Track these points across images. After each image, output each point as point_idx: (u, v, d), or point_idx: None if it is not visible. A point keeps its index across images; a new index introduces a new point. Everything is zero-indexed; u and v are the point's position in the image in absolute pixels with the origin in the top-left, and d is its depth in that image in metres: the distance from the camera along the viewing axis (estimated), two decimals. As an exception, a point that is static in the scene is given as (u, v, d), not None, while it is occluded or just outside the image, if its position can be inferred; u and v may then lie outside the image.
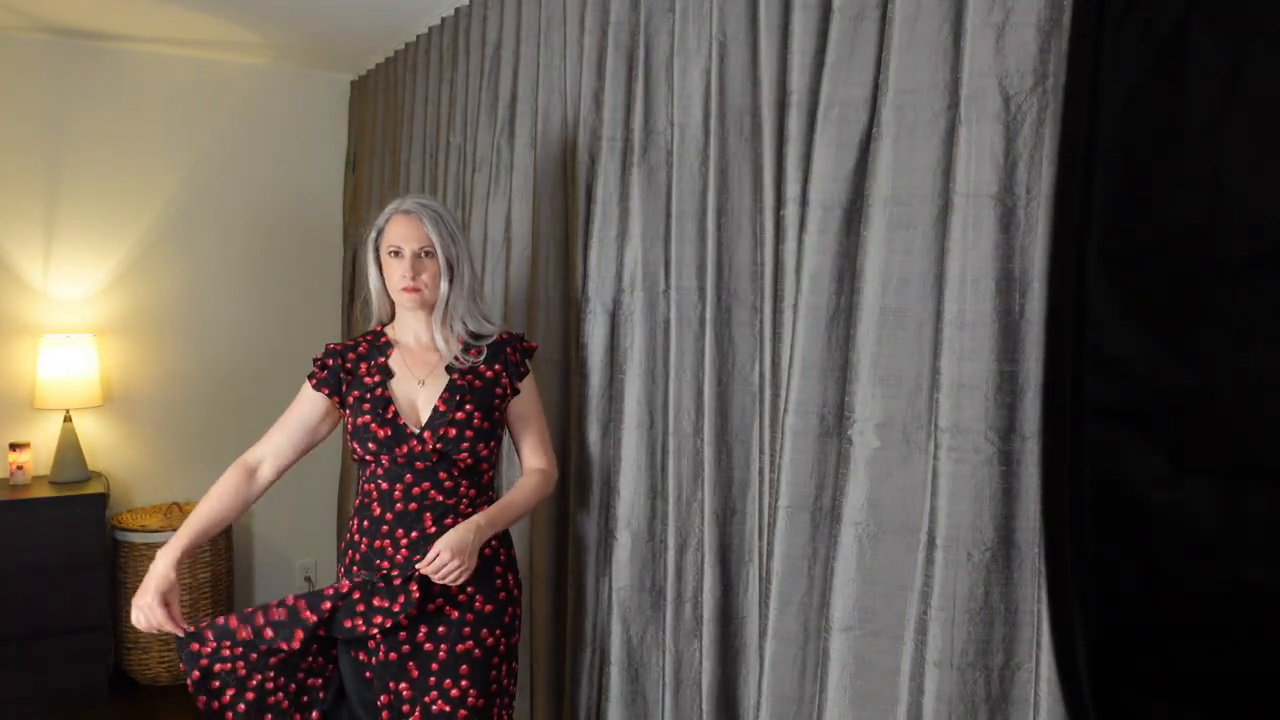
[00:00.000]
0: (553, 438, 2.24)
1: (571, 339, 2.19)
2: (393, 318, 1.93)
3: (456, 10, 2.96)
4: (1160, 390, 1.00)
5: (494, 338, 1.88)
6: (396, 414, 1.79)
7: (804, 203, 1.51)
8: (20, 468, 3.34)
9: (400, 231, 1.80)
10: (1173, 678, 1.01)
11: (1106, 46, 1.02)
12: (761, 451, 1.71)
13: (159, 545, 3.37)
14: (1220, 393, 0.95)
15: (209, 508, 1.79)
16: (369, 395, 1.81)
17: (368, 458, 1.80)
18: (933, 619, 1.28)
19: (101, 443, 3.64)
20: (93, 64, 3.56)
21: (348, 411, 1.83)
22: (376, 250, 1.86)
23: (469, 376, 1.84)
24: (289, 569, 4.04)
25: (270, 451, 1.87)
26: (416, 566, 1.69)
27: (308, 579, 4.08)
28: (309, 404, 1.87)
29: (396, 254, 1.80)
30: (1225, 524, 0.95)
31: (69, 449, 3.37)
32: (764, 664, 1.56)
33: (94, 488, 3.30)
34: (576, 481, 2.13)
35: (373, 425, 1.78)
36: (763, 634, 1.58)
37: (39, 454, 3.51)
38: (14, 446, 3.36)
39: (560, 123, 2.26)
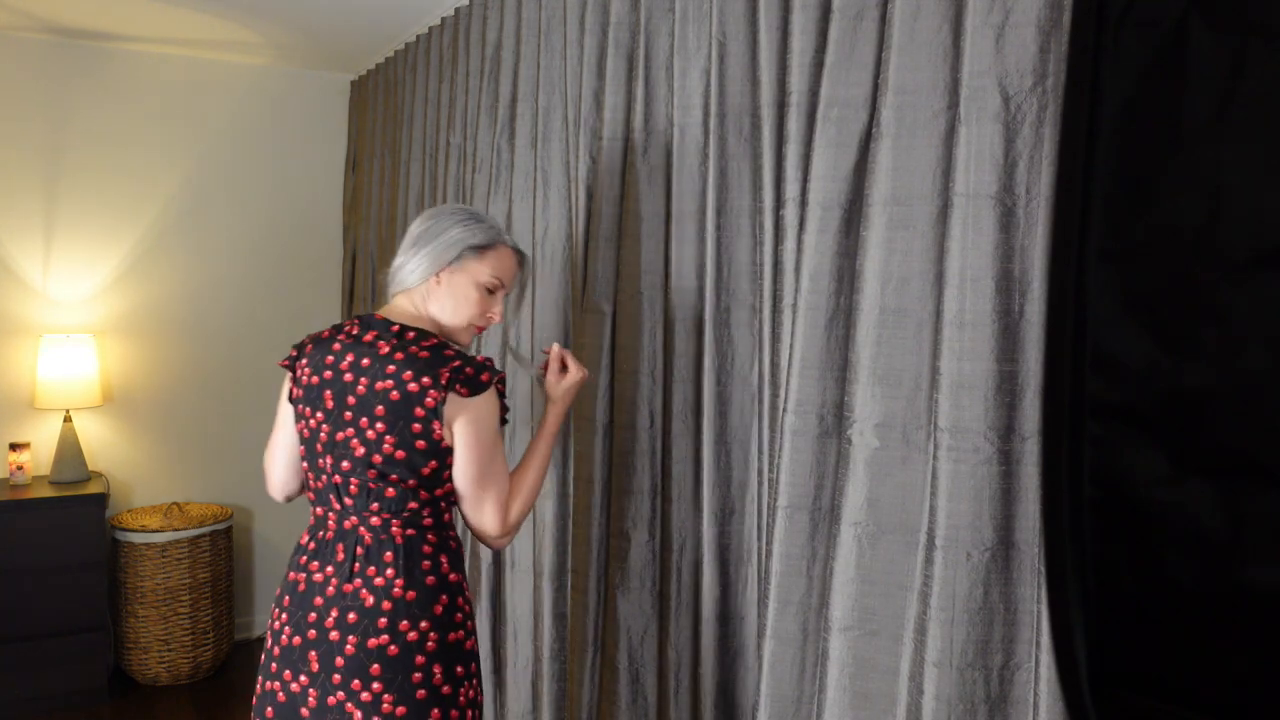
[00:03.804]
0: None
1: (572, 339, 2.19)
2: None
3: (456, 10, 2.96)
4: (1160, 390, 1.00)
5: None
6: None
7: (803, 203, 1.51)
8: (20, 468, 3.34)
9: (507, 268, 1.65)
10: (1173, 678, 1.01)
11: (1106, 46, 1.02)
12: (761, 451, 1.71)
13: (159, 545, 3.37)
14: (1220, 393, 0.95)
15: None
16: None
17: None
18: (932, 619, 1.28)
19: (101, 443, 3.64)
20: (93, 64, 3.56)
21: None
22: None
23: None
24: (289, 569, 4.05)
25: None
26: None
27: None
28: None
29: (491, 290, 1.63)
30: (1226, 524, 0.95)
31: (69, 449, 3.38)
32: (763, 664, 1.56)
33: (94, 488, 3.31)
34: (578, 482, 2.13)
35: None
36: (761, 634, 1.58)
37: (39, 454, 3.51)
38: (14, 446, 3.36)
39: (560, 123, 2.26)
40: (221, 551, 3.58)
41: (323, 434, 1.54)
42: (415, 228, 1.65)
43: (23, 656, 3.13)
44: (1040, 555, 1.22)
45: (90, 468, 3.54)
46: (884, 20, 1.39)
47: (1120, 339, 1.02)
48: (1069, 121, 1.08)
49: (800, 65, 1.52)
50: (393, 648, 1.46)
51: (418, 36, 3.32)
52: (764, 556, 1.65)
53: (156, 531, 3.39)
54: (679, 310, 1.83)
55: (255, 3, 3.06)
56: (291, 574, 1.57)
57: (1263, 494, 0.92)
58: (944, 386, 1.28)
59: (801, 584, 1.52)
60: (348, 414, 1.51)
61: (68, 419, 3.40)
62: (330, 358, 1.55)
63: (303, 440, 1.59)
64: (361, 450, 1.50)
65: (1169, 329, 0.99)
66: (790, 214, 1.56)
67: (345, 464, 1.51)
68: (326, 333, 1.62)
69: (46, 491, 3.24)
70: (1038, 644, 1.23)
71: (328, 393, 1.53)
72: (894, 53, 1.34)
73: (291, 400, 1.62)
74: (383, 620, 1.47)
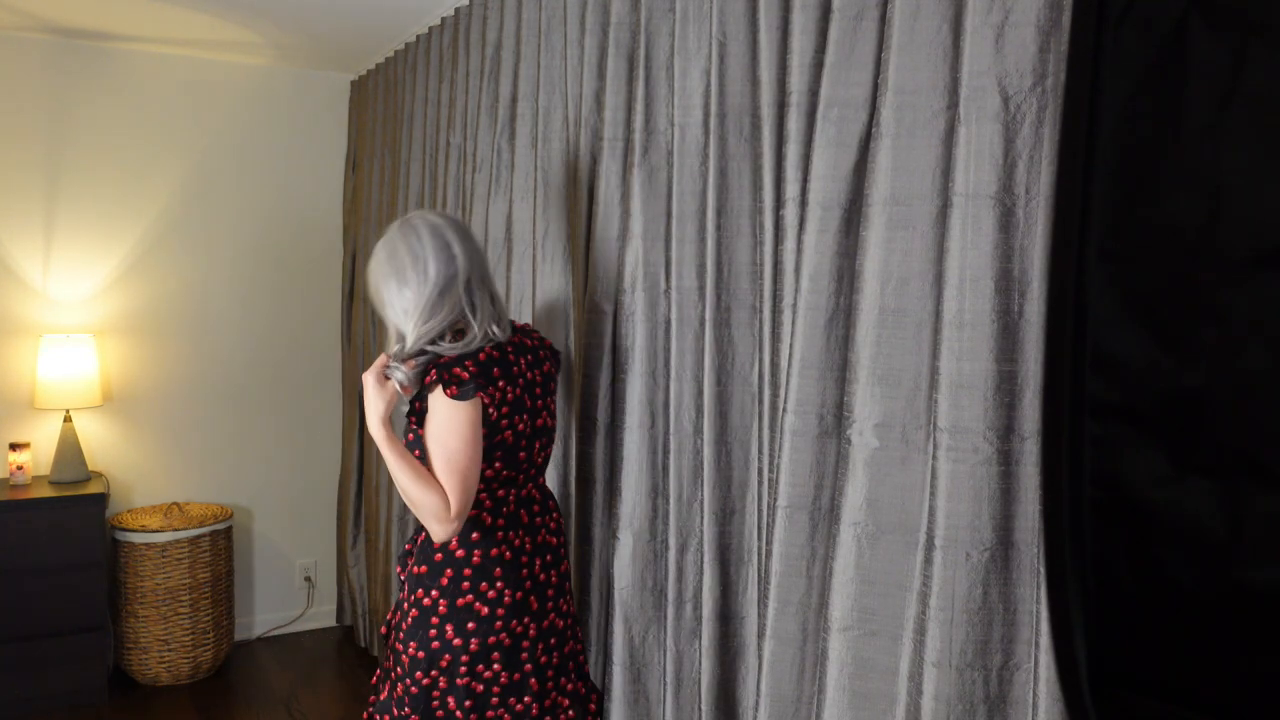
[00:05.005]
0: (556, 438, 2.23)
1: (573, 339, 2.19)
2: None
3: (456, 10, 2.96)
4: (1160, 390, 1.00)
5: None
6: None
7: (803, 203, 1.51)
8: (20, 468, 3.34)
9: None
10: (1173, 678, 1.01)
11: (1106, 46, 1.02)
12: (761, 451, 1.71)
13: (159, 545, 3.38)
14: (1220, 393, 0.95)
15: None
16: None
17: None
18: (931, 619, 1.28)
19: (101, 443, 3.64)
20: (93, 64, 3.56)
21: None
22: None
23: None
24: (289, 569, 4.04)
25: None
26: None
27: (308, 579, 4.08)
28: None
29: None
30: (1226, 524, 0.95)
31: (69, 449, 3.37)
32: (763, 664, 1.56)
33: (94, 488, 3.31)
34: (579, 482, 2.13)
35: None
36: (761, 634, 1.58)
37: (39, 454, 3.51)
38: (14, 446, 3.36)
39: (561, 123, 2.26)
40: (221, 551, 3.58)
41: (527, 430, 1.78)
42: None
43: (23, 656, 3.12)
44: (1040, 555, 1.22)
45: (90, 468, 3.54)
46: (884, 20, 1.39)
47: (1120, 339, 1.02)
48: (1069, 121, 1.08)
49: (800, 65, 1.52)
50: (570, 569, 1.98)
51: (418, 36, 3.32)
52: (764, 556, 1.65)
53: (156, 531, 3.39)
54: (679, 310, 1.83)
55: (255, 3, 3.06)
56: (493, 550, 1.75)
57: (1263, 494, 0.92)
58: (943, 386, 1.28)
59: (801, 584, 1.52)
60: (539, 403, 1.82)
61: (68, 419, 3.40)
62: (515, 369, 1.77)
63: (505, 446, 1.74)
64: (552, 422, 1.88)
65: (1169, 329, 0.99)
66: (790, 214, 1.56)
67: (546, 439, 1.86)
68: (495, 352, 1.73)
69: (46, 491, 3.24)
70: (1037, 644, 1.23)
71: (526, 396, 1.78)
72: (894, 53, 1.34)
73: (491, 422, 1.69)
74: (566, 550, 1.92)
